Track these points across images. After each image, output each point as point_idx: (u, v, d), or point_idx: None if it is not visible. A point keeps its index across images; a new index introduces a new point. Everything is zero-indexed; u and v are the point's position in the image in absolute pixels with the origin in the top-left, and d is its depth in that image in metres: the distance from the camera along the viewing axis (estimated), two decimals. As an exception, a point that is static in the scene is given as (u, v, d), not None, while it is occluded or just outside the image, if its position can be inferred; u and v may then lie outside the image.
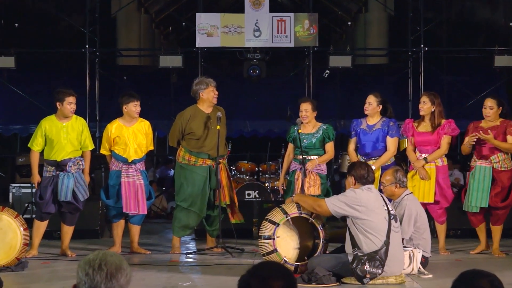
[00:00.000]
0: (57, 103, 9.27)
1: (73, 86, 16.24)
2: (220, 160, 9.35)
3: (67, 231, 9.42)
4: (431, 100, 9.40)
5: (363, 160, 9.13)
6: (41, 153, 9.39)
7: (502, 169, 9.30)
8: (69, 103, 9.23)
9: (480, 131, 9.14)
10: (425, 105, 9.43)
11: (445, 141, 9.31)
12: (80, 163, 9.29)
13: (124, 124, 9.56)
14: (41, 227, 9.34)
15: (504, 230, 10.78)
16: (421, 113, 9.50)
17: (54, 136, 9.21)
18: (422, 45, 15.07)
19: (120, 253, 8.93)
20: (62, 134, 9.22)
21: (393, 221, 7.17)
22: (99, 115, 15.32)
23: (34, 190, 9.56)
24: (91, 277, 3.07)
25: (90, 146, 9.50)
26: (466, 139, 9.29)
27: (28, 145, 9.45)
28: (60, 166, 9.19)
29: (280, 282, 2.95)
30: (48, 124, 9.28)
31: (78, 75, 15.52)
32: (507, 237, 10.74)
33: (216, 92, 9.51)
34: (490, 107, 9.37)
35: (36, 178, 9.30)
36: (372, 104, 9.51)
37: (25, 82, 16.17)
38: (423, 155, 9.33)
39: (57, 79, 16.21)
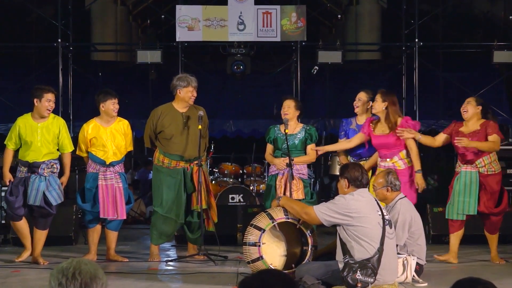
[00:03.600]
0: (35, 100, 9.21)
1: (44, 83, 16.25)
2: (201, 163, 9.34)
3: (40, 236, 9.40)
4: (382, 98, 9.32)
5: (354, 161, 9.16)
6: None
7: (489, 173, 9.24)
8: (48, 101, 9.19)
9: (456, 138, 9.15)
10: (376, 103, 9.37)
11: (409, 142, 9.22)
12: (55, 166, 9.28)
13: (102, 124, 9.56)
14: (22, 226, 9.34)
15: (505, 236, 10.89)
16: (373, 111, 9.47)
17: (28, 136, 9.19)
18: (416, 40, 15.15)
19: (95, 261, 9.01)
20: (36, 136, 9.20)
21: (387, 227, 7.18)
22: (72, 114, 15.32)
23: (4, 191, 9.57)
24: (64, 287, 3.07)
25: (70, 147, 9.47)
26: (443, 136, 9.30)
27: (4, 142, 9.46)
28: (32, 168, 9.19)
29: None
30: (23, 123, 9.26)
31: (50, 71, 15.50)
32: (505, 243, 10.84)
33: (195, 94, 9.51)
34: (468, 101, 9.36)
35: (8, 176, 9.32)
36: (361, 99, 9.55)
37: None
38: (386, 161, 9.24)
39: (27, 76, 16.21)
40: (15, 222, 9.35)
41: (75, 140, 9.83)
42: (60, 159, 9.44)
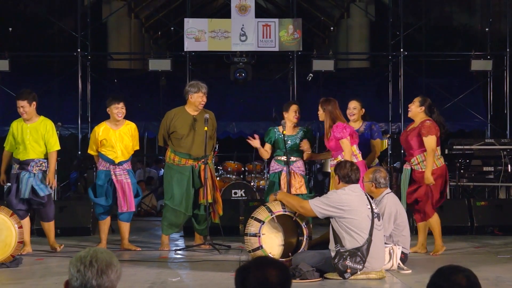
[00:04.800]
0: None
1: (65, 88, 16.33)
2: (207, 161, 9.34)
3: (48, 227, 9.47)
4: (322, 107, 9.12)
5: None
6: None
7: (423, 169, 8.99)
8: (18, 107, 9.23)
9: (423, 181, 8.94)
10: (319, 112, 9.21)
11: (343, 145, 8.96)
12: (43, 164, 9.27)
13: (111, 127, 9.54)
14: (25, 224, 9.29)
15: (482, 227, 10.88)
16: (319, 119, 9.32)
17: (20, 136, 9.23)
18: (402, 50, 15.14)
19: (107, 249, 9.02)
20: (26, 135, 9.23)
21: (376, 220, 7.19)
22: (90, 117, 15.32)
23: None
24: (82, 273, 3.08)
25: (55, 146, 9.37)
26: None
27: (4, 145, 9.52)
28: (22, 165, 9.21)
29: (276, 271, 3.03)
30: (15, 126, 9.33)
31: (70, 78, 15.52)
32: (482, 234, 10.84)
33: (205, 99, 9.50)
34: (413, 101, 9.19)
35: (2, 177, 9.39)
36: (357, 107, 9.56)
37: (19, 85, 16.09)
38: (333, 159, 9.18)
39: (50, 82, 16.21)
40: (21, 220, 9.29)
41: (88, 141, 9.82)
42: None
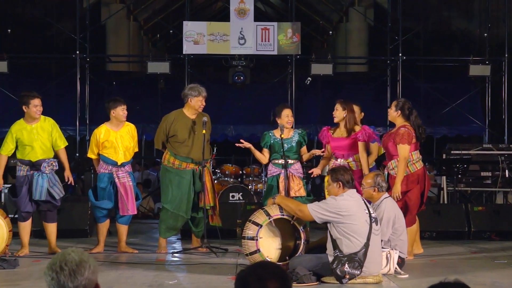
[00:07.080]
0: (23, 107, 9.19)
1: (64, 90, 16.33)
2: (205, 164, 9.34)
3: (52, 229, 9.41)
4: (342, 107, 9.27)
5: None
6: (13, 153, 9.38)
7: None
8: (35, 106, 9.17)
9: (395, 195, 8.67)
10: (337, 112, 9.32)
11: (360, 148, 9.13)
12: (54, 164, 9.28)
13: (112, 128, 9.53)
14: (26, 226, 9.27)
15: (479, 232, 10.87)
16: (335, 120, 9.37)
17: (26, 138, 9.17)
18: (400, 54, 15.16)
19: (103, 252, 9.07)
20: (33, 136, 9.19)
21: (373, 224, 7.19)
22: (89, 119, 15.33)
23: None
24: (56, 280, 3.11)
25: (62, 144, 9.44)
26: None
27: None
28: (35, 166, 9.17)
29: (276, 284, 2.96)
30: (18, 129, 9.23)
31: (69, 80, 15.52)
32: (479, 239, 10.83)
33: (204, 103, 9.50)
34: (390, 107, 9.16)
35: (0, 182, 9.25)
36: (357, 112, 9.64)
37: (17, 86, 16.11)
38: (340, 160, 9.23)
39: (48, 84, 16.20)
40: (22, 222, 9.27)
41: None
42: (57, 157, 9.44)
